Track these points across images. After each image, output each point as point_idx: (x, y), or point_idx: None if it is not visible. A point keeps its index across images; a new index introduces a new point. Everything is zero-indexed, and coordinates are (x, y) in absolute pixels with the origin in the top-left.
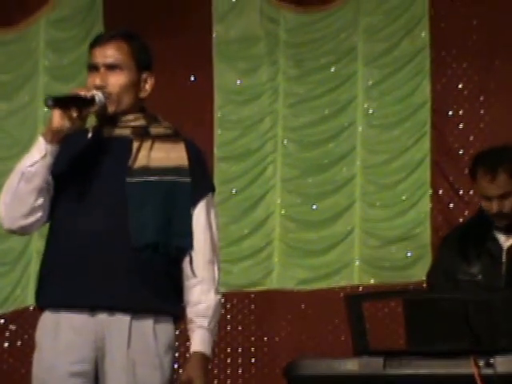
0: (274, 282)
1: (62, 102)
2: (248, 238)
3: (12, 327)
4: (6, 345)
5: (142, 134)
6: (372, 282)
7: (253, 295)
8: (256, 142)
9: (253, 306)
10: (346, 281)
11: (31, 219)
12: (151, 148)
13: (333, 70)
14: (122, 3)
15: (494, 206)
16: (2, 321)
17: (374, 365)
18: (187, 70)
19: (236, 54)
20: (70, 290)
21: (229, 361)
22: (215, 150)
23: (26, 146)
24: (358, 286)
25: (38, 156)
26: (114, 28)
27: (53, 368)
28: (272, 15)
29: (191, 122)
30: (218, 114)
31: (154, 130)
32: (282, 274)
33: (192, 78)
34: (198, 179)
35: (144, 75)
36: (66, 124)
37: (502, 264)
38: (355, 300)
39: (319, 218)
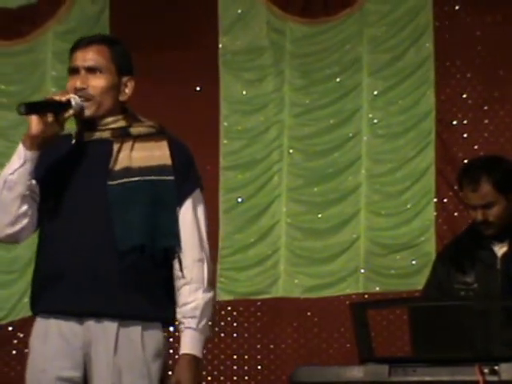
0: (279, 290)
1: (36, 108)
2: (254, 246)
3: (20, 335)
4: (14, 352)
5: (123, 134)
6: (377, 289)
7: (259, 303)
8: (262, 151)
9: (259, 314)
10: (352, 289)
11: (17, 227)
12: (132, 148)
13: (338, 80)
14: (129, 15)
15: (478, 215)
16: (10, 328)
17: (380, 372)
18: (193, 81)
19: (242, 65)
20: (58, 297)
21: (235, 368)
22: (221, 160)
23: None
24: (363, 294)
25: (17, 163)
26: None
27: (43, 372)
28: (278, 26)
29: (197, 131)
30: (224, 124)
31: (135, 129)
32: (288, 282)
33: (198, 89)
34: (184, 177)
35: (124, 79)
36: (44, 129)
37: (497, 271)
38: (360, 308)
39: (325, 226)
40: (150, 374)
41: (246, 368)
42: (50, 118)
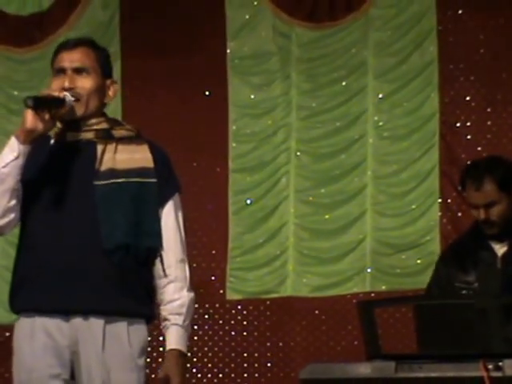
0: (288, 289)
1: (41, 103)
2: (263, 246)
3: None
4: None
5: (106, 136)
6: (383, 288)
7: (268, 302)
8: (270, 154)
9: (268, 313)
10: (359, 288)
11: (5, 220)
12: (115, 150)
13: (344, 83)
14: (139, 21)
15: (481, 214)
16: None
17: (386, 368)
18: (202, 86)
19: (250, 70)
20: (44, 296)
21: (245, 365)
22: (230, 162)
23: None
24: (370, 293)
25: (11, 157)
26: (130, 46)
27: (33, 370)
28: (284, 31)
29: (207, 135)
30: (232, 128)
31: (117, 132)
32: (296, 282)
33: (207, 93)
34: (165, 180)
35: (108, 82)
36: (39, 125)
37: (497, 271)
38: (367, 306)
39: (332, 227)
40: (138, 369)
41: (255, 365)
42: (46, 113)
